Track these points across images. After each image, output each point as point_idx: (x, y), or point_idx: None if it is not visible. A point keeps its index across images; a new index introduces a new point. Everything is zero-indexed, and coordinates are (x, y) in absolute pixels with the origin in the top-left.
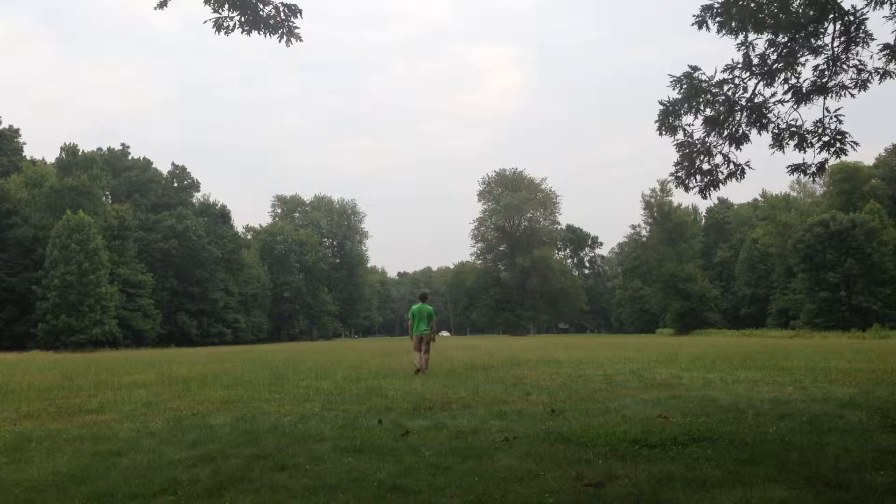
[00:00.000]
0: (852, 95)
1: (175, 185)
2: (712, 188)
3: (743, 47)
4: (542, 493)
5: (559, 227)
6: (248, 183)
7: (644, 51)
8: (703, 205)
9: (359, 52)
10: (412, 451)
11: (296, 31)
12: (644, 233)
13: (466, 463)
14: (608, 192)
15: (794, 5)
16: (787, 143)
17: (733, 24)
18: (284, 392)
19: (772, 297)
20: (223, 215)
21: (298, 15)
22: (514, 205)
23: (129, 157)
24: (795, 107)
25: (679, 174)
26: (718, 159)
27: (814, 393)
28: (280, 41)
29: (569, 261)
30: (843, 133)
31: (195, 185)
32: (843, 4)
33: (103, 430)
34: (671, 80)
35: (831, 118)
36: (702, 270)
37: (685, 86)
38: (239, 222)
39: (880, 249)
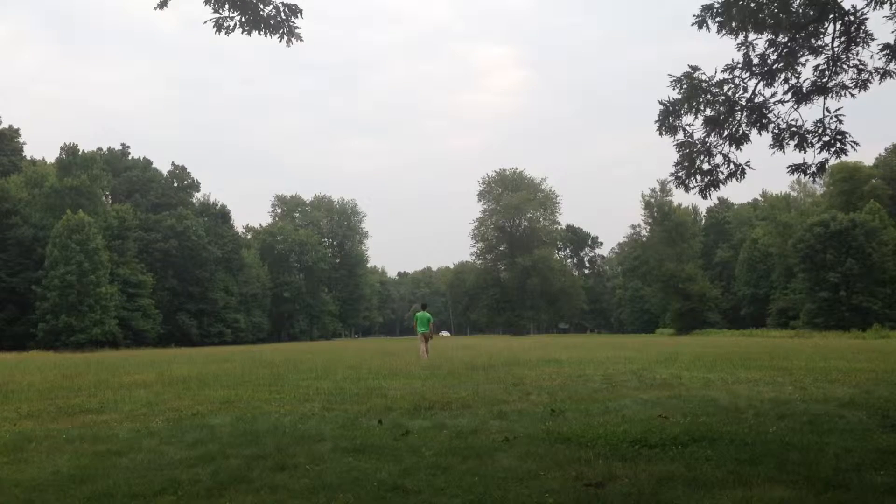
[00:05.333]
0: (852, 95)
1: (175, 185)
2: (712, 188)
3: (743, 47)
4: (542, 493)
5: (559, 227)
6: (248, 183)
7: (644, 51)
8: (703, 205)
9: (359, 52)
10: (412, 451)
11: (296, 31)
12: (644, 233)
13: (466, 463)
14: (608, 192)
15: (794, 5)
16: (787, 143)
17: (733, 24)
18: (284, 392)
19: (772, 297)
20: (223, 215)
21: (298, 15)
22: (514, 205)
23: (129, 157)
24: (795, 107)
25: (679, 174)
26: (718, 159)
27: (814, 393)
28: (280, 41)
29: (569, 261)
30: (843, 133)
31: (195, 185)
32: (843, 4)
33: (103, 430)
34: (671, 80)
35: (831, 118)
36: (702, 270)
37: (685, 86)
38: (239, 222)
39: (880, 249)
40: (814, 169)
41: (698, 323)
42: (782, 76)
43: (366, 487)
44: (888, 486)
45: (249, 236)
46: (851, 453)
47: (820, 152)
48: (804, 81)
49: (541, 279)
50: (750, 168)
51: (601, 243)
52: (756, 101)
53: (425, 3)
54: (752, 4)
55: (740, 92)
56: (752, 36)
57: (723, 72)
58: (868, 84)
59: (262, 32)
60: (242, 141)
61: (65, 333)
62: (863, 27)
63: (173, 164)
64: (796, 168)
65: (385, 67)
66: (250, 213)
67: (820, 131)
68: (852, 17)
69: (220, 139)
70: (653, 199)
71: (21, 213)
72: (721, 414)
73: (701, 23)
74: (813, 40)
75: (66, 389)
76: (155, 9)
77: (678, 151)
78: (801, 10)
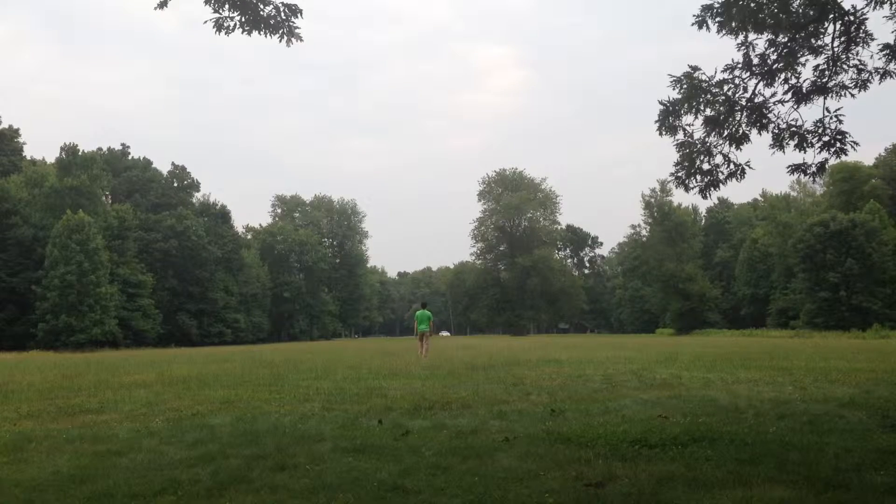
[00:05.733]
0: (852, 95)
1: (175, 185)
2: (712, 188)
3: (743, 47)
4: (542, 493)
5: (559, 227)
6: (248, 183)
7: (644, 51)
8: (703, 205)
9: (359, 52)
10: (412, 451)
11: (296, 31)
12: (644, 233)
13: (466, 463)
14: (608, 192)
15: (794, 5)
16: (787, 143)
17: (733, 24)
18: (284, 392)
19: (772, 297)
20: (223, 215)
21: (298, 15)
22: (514, 205)
23: (129, 157)
24: (795, 107)
25: (679, 174)
26: (718, 159)
27: (814, 393)
28: (280, 41)
29: (569, 261)
30: (843, 133)
31: (195, 185)
32: (843, 4)
33: (103, 430)
34: (671, 80)
35: (831, 118)
36: (702, 270)
37: (685, 86)
38: (239, 222)
39: (880, 249)
40: (814, 169)
41: (698, 323)
42: (782, 76)
43: (366, 487)
44: (888, 486)
45: (249, 236)
46: (851, 453)
47: (820, 152)
48: (804, 81)
49: (541, 279)
50: (750, 168)
51: (601, 243)
52: (756, 101)
53: (425, 3)
54: (752, 4)
55: (740, 92)
56: (752, 36)
57: (723, 72)
58: (868, 84)
59: (262, 32)
60: (242, 141)
61: (65, 333)
62: (863, 27)
63: (173, 164)
64: (796, 168)
65: (385, 67)
66: (250, 213)
67: (820, 131)
68: (852, 17)
69: (220, 139)
70: (653, 199)
71: (21, 213)
72: (721, 414)
73: (701, 23)
74: (813, 40)
75: (66, 389)
76: (155, 9)
77: (678, 151)
78: (801, 10)
